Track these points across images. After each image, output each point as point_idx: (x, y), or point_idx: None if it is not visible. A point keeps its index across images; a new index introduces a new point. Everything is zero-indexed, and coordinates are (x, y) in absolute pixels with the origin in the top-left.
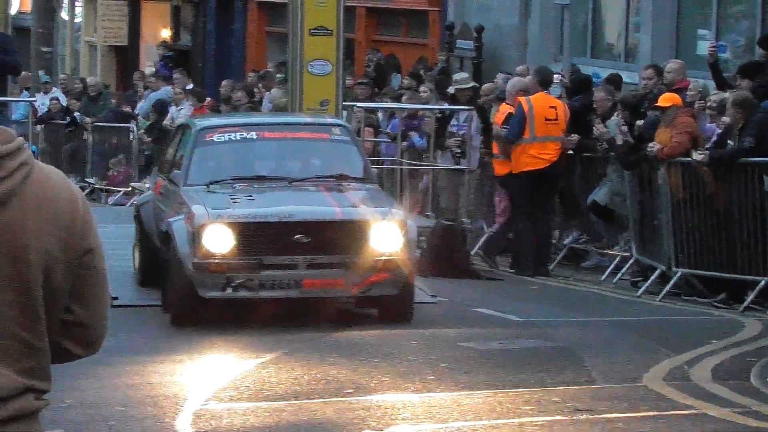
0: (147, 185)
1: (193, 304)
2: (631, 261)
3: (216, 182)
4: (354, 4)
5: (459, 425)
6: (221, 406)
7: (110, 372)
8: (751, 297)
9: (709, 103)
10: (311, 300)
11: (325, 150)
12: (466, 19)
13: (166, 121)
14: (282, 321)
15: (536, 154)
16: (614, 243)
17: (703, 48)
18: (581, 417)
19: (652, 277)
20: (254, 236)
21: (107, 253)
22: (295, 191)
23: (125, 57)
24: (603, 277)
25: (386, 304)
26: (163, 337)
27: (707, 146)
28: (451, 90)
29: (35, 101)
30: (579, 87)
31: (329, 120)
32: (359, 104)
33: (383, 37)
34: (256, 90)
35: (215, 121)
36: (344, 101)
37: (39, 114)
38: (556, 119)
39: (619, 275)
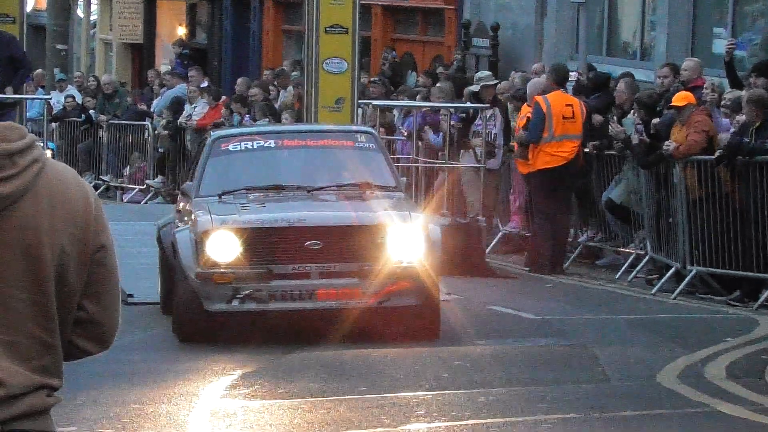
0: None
1: (199, 318)
2: (646, 259)
3: (229, 192)
4: (370, 2)
5: (473, 423)
6: (236, 404)
7: (124, 369)
8: (765, 295)
9: (723, 101)
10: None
11: (350, 158)
12: (482, 17)
13: (181, 119)
14: (296, 322)
15: (554, 152)
16: (629, 241)
17: (719, 46)
18: (595, 415)
19: (667, 275)
20: (262, 243)
21: (123, 250)
22: (312, 200)
23: (141, 55)
24: (618, 275)
25: (409, 318)
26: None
27: (722, 144)
28: (474, 88)
29: (50, 99)
30: (597, 85)
31: (354, 127)
32: (375, 102)
33: (399, 36)
34: (271, 88)
35: (231, 130)
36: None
37: (54, 112)
38: (573, 117)
39: (634, 273)
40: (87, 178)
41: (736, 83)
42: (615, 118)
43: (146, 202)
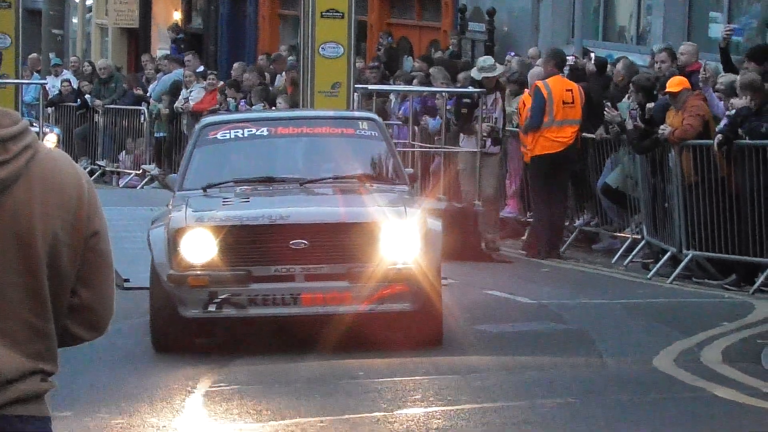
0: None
1: (174, 325)
2: (642, 243)
3: (215, 185)
4: None
5: (469, 407)
6: (232, 389)
7: (121, 354)
8: (761, 279)
9: (717, 86)
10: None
11: (350, 147)
12: (478, 2)
13: (177, 104)
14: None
15: (554, 138)
16: (625, 226)
17: (715, 31)
18: (592, 399)
19: (663, 260)
20: (242, 242)
21: (119, 235)
22: (304, 193)
23: (137, 40)
24: (614, 259)
25: (406, 325)
26: None
27: (718, 128)
28: (476, 75)
29: (46, 83)
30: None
31: (356, 113)
32: (371, 86)
33: (396, 20)
34: (267, 73)
35: (220, 117)
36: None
37: (50, 96)
38: (572, 102)
39: (630, 258)
40: (83, 163)
41: (731, 68)
42: (609, 103)
43: (142, 187)
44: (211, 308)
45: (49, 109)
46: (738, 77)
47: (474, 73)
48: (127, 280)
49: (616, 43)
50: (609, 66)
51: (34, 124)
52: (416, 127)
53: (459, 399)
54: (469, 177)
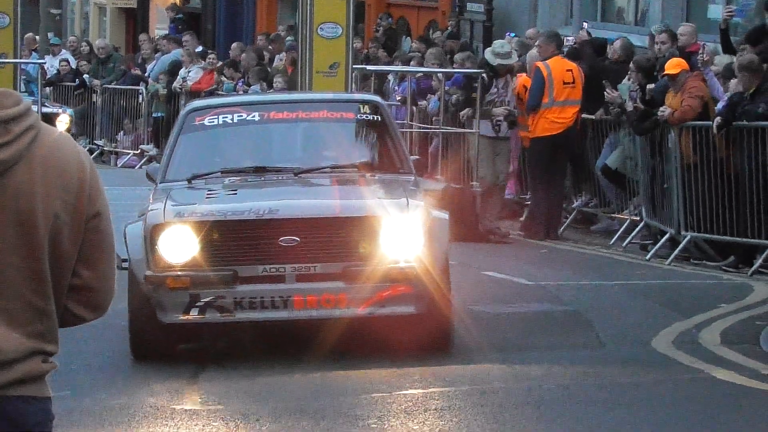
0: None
1: (153, 331)
2: (641, 225)
3: (201, 176)
4: None
5: (468, 389)
6: (232, 371)
7: (119, 335)
8: (760, 261)
9: (714, 68)
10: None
11: (350, 133)
12: None
13: (175, 84)
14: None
15: (555, 119)
16: (624, 207)
17: (714, 12)
18: (590, 381)
19: (662, 241)
20: (226, 240)
21: (118, 215)
22: (298, 185)
23: (134, 20)
24: (612, 240)
25: (410, 330)
26: None
27: (717, 109)
28: (491, 60)
29: (44, 63)
30: (594, 51)
31: (356, 96)
32: (369, 67)
33: (394, 0)
34: (266, 53)
35: (208, 101)
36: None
37: (48, 76)
38: (573, 82)
39: (629, 239)
40: (81, 143)
41: (730, 50)
42: (609, 84)
43: (140, 167)
44: (194, 312)
45: (48, 89)
46: (735, 59)
47: (489, 56)
48: (125, 260)
49: (615, 23)
50: (609, 47)
51: (47, 105)
52: (414, 108)
53: (456, 381)
54: (487, 161)
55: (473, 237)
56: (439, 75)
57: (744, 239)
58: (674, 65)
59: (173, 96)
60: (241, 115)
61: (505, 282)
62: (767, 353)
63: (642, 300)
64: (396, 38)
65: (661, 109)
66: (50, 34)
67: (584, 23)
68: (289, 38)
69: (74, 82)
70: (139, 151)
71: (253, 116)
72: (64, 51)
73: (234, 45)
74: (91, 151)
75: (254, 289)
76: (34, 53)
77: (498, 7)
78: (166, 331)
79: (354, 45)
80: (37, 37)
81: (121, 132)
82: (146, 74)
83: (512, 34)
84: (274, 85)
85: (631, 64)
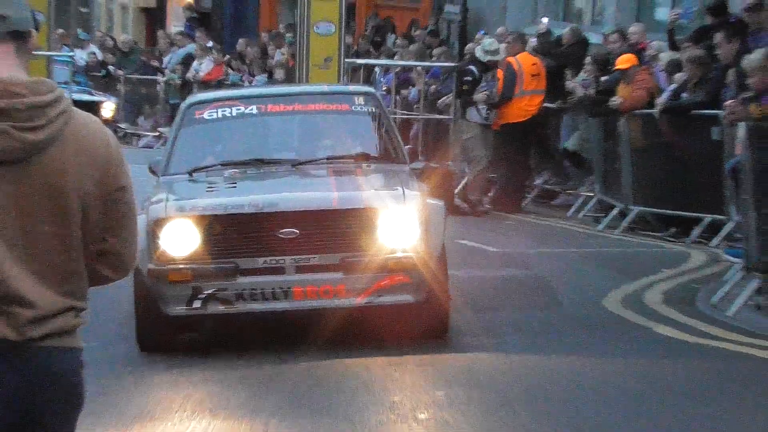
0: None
1: (158, 324)
2: (594, 200)
3: (201, 169)
4: None
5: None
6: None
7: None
8: (697, 231)
9: (660, 63)
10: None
11: (345, 124)
12: None
13: (188, 74)
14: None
15: (524, 107)
16: (580, 184)
17: (661, 14)
18: (551, 336)
19: (612, 214)
20: (227, 233)
21: (138, 189)
22: (297, 176)
23: (153, 18)
24: (569, 213)
25: (407, 318)
26: None
27: (662, 98)
28: (481, 57)
29: (74, 55)
30: (560, 45)
31: (351, 88)
32: (359, 61)
33: (381, 2)
34: (268, 48)
35: (207, 94)
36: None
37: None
38: (539, 74)
39: (584, 212)
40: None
41: (675, 47)
42: (569, 75)
43: (159, 147)
44: (196, 305)
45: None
46: (680, 55)
47: (479, 53)
48: None
49: (574, 23)
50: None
51: (92, 93)
52: (397, 97)
53: (429, 338)
54: (478, 143)
55: (449, 210)
56: (419, 68)
57: (683, 213)
58: (625, 60)
59: (187, 85)
60: (240, 109)
61: (477, 249)
62: (702, 312)
63: (595, 265)
64: (382, 35)
65: (613, 99)
66: (79, 30)
67: (544, 18)
68: (288, 35)
69: (100, 72)
70: (157, 133)
71: (251, 109)
72: (91, 45)
73: (240, 41)
74: (115, 132)
75: (255, 280)
76: (65, 47)
77: (472, 8)
78: (170, 322)
79: (345, 41)
80: (66, 32)
81: (142, 116)
82: (163, 66)
83: (482, 32)
84: (275, 76)
85: (588, 58)
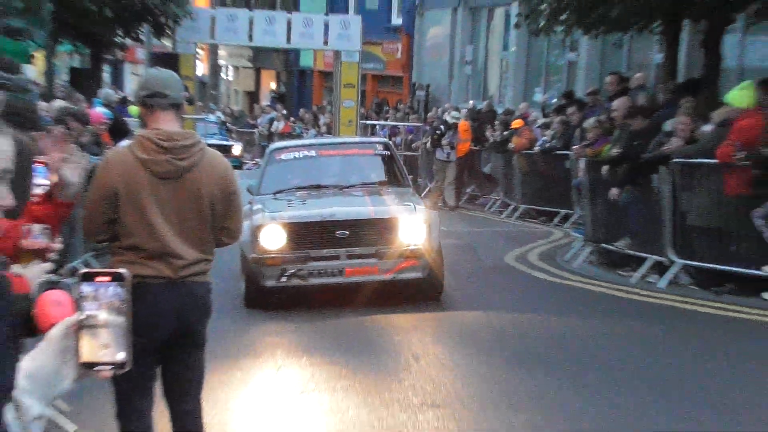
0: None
1: (257, 291)
2: (499, 201)
3: (281, 191)
4: (365, 72)
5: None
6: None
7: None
8: (556, 219)
9: (537, 124)
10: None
11: (371, 162)
12: (421, 79)
13: (272, 129)
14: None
15: (462, 148)
16: (492, 191)
17: (537, 96)
18: (476, 279)
19: (509, 209)
20: (303, 234)
21: (243, 195)
22: (343, 196)
23: (253, 96)
24: (486, 208)
25: (416, 287)
26: None
27: (537, 145)
28: (450, 120)
29: (206, 118)
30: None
31: (373, 139)
32: (368, 122)
33: (380, 89)
34: (318, 114)
35: (284, 143)
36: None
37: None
38: (467, 130)
39: (494, 208)
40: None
41: (545, 116)
42: (489, 129)
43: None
44: (283, 280)
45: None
46: (548, 120)
47: (449, 118)
48: None
49: (476, 101)
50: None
51: (230, 140)
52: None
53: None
54: (439, 172)
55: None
56: (401, 126)
57: (550, 208)
58: (517, 123)
59: (271, 135)
60: (305, 153)
61: None
62: (560, 265)
63: (500, 238)
64: (381, 107)
65: (510, 144)
66: (211, 104)
67: (471, 101)
68: (328, 107)
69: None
70: (255, 162)
71: (311, 153)
72: (218, 112)
73: (301, 110)
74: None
75: (320, 264)
76: (203, 113)
77: (432, 92)
78: (266, 291)
79: (360, 111)
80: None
81: (247, 153)
82: (258, 123)
83: (437, 107)
84: (321, 130)
85: (496, 121)
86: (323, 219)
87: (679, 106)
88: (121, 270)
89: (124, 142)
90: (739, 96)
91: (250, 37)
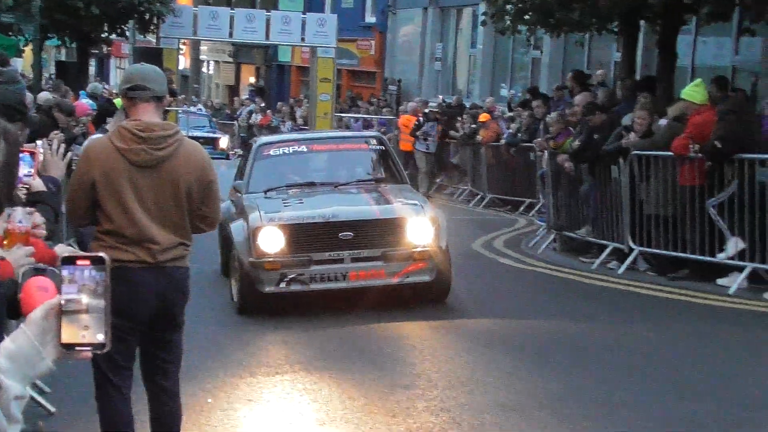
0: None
1: (253, 297)
2: (467, 190)
3: (273, 189)
4: (340, 68)
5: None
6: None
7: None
8: (522, 208)
9: (504, 118)
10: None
11: (365, 158)
12: (394, 74)
13: (251, 121)
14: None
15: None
16: (460, 181)
17: (505, 92)
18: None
19: (477, 198)
20: (304, 236)
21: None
22: (339, 194)
23: (233, 90)
24: (454, 197)
25: (423, 290)
26: None
27: (503, 138)
28: (426, 110)
29: (189, 110)
30: (449, 107)
31: (366, 133)
32: (343, 114)
33: (354, 83)
34: (295, 107)
35: (272, 138)
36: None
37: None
38: (407, 125)
39: (462, 197)
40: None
41: (511, 110)
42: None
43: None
44: (282, 285)
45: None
46: (513, 114)
47: (427, 109)
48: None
49: (457, 95)
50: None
51: (217, 133)
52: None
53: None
54: (419, 161)
55: None
56: (375, 120)
57: (515, 197)
58: (484, 116)
59: (250, 126)
60: (295, 148)
61: None
62: (524, 251)
63: (467, 225)
64: (354, 101)
65: (478, 137)
66: (193, 97)
67: (440, 96)
68: (305, 100)
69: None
70: (235, 152)
71: (302, 148)
72: (200, 105)
73: (279, 103)
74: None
75: (323, 268)
76: (184, 105)
77: (404, 87)
78: (262, 297)
79: (335, 104)
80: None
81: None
82: (237, 115)
83: (408, 102)
84: (298, 122)
85: (464, 114)
86: (326, 220)
87: (636, 102)
88: (101, 254)
89: (110, 123)
90: (693, 92)
91: (231, 34)
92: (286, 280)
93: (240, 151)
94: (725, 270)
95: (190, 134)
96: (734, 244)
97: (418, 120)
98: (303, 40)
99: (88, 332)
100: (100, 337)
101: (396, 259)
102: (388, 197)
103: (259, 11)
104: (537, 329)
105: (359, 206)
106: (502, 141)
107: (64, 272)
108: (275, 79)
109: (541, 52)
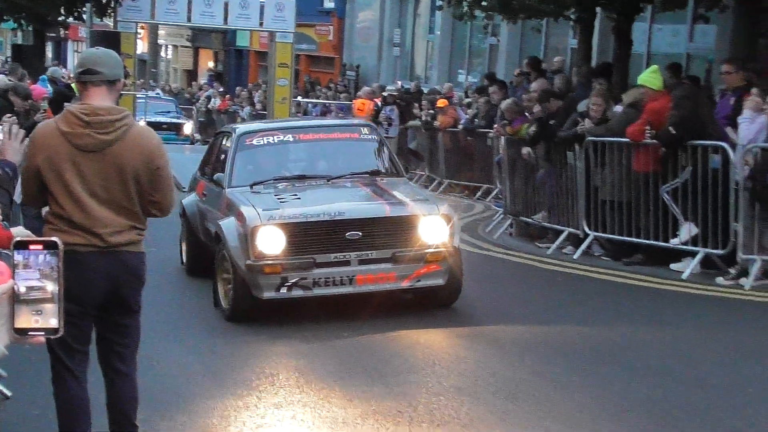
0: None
1: (249, 304)
2: (425, 176)
3: (259, 183)
4: (299, 53)
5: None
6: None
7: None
8: (479, 194)
9: (462, 104)
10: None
11: (356, 148)
12: (352, 60)
13: (209, 105)
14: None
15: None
16: (418, 167)
17: (461, 78)
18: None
19: (434, 183)
20: (307, 236)
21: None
22: (335, 188)
23: (192, 75)
24: (412, 182)
25: (434, 293)
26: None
27: (461, 123)
28: (385, 94)
29: (148, 94)
30: (408, 93)
31: (356, 121)
32: (301, 99)
33: (313, 69)
34: (253, 92)
35: (254, 126)
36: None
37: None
38: (362, 109)
39: (419, 182)
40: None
41: (468, 97)
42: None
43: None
44: (283, 290)
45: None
46: (470, 100)
47: (385, 93)
48: (184, 188)
49: (415, 80)
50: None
51: (181, 118)
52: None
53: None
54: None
55: None
56: (333, 105)
57: (472, 183)
58: (441, 102)
59: (208, 111)
60: (280, 137)
61: None
62: (481, 236)
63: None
64: (313, 86)
65: (436, 122)
66: (151, 81)
67: (398, 81)
68: (263, 85)
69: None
70: (192, 136)
71: (288, 137)
72: (158, 90)
73: (237, 88)
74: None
75: (327, 271)
76: (143, 90)
77: (362, 73)
78: (259, 304)
79: (293, 89)
80: (142, 81)
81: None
82: (195, 100)
83: (366, 87)
84: (257, 107)
85: (423, 99)
86: (331, 218)
87: (592, 89)
88: (54, 238)
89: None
90: (651, 79)
91: (189, 18)
92: (287, 284)
93: (198, 134)
94: (679, 255)
95: (155, 120)
96: (687, 230)
97: (376, 105)
98: (261, 24)
99: (41, 317)
100: (53, 322)
101: (407, 261)
102: (390, 192)
103: None
104: (489, 312)
105: (366, 203)
106: (460, 127)
107: (18, 257)
108: (234, 64)
109: (498, 39)
